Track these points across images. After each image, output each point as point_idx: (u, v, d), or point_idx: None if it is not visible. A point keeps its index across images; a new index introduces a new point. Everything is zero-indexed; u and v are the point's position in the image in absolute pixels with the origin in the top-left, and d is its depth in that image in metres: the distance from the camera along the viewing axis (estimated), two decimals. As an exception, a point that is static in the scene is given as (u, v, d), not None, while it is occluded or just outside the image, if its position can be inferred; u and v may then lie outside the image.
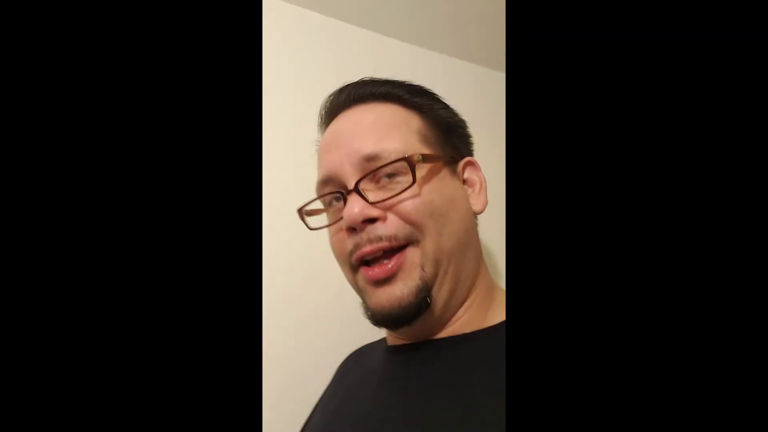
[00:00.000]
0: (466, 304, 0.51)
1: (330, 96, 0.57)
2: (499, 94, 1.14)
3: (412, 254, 0.47)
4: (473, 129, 0.59)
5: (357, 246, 0.48)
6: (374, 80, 0.55)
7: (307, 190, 0.56)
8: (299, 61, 0.88)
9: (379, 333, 0.62)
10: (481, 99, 1.10)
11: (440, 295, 0.48)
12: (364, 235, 0.47)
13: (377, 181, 0.49)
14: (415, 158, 0.47)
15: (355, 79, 0.56)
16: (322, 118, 0.57)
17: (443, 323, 0.50)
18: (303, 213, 0.54)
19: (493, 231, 0.84)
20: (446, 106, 0.56)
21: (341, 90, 0.56)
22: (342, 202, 0.50)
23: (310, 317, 0.79)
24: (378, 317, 0.48)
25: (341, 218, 0.49)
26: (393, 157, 0.48)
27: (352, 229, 0.48)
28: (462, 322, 0.50)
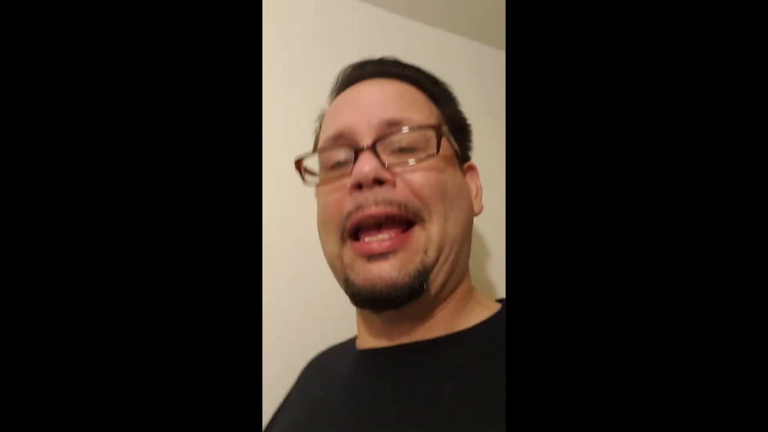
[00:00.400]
0: (451, 300, 0.48)
1: (349, 66, 0.54)
2: (500, 73, 1.10)
3: (418, 235, 0.45)
4: (471, 108, 0.58)
5: (359, 207, 0.44)
6: (398, 61, 0.54)
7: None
8: (291, 35, 0.83)
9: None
10: (479, 77, 1.07)
11: (435, 284, 0.46)
12: (370, 196, 0.44)
13: (392, 152, 0.46)
14: (443, 130, 0.46)
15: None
16: (337, 85, 0.55)
17: (427, 314, 0.47)
18: (302, 167, 0.50)
19: (492, 228, 0.85)
20: (458, 106, 0.56)
21: (364, 63, 0.54)
22: (349, 163, 0.47)
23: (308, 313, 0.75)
24: (366, 296, 0.44)
25: (337, 178, 0.47)
26: (417, 126, 0.46)
27: (358, 188, 0.44)
28: (439, 318, 0.47)
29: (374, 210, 0.44)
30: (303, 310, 0.72)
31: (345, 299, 0.48)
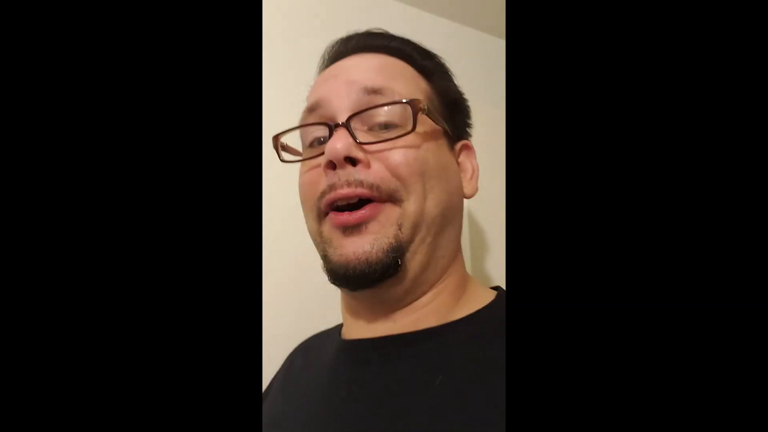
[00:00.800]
0: (438, 288, 0.46)
1: (335, 41, 0.52)
2: (500, 61, 1.09)
3: (390, 210, 0.43)
4: (471, 95, 0.56)
5: (332, 187, 0.43)
6: (386, 33, 0.52)
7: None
8: (289, 20, 0.82)
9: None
10: (480, 65, 1.06)
11: (412, 264, 0.44)
12: (342, 175, 0.42)
13: (370, 127, 0.44)
14: (421, 105, 0.44)
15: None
16: (323, 61, 0.53)
17: (409, 300, 0.45)
18: (278, 143, 0.49)
19: (490, 217, 0.83)
20: (453, 81, 0.53)
21: (349, 37, 0.51)
22: (325, 138, 0.45)
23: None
24: (340, 272, 0.43)
25: (318, 155, 0.45)
26: (396, 98, 0.44)
27: (331, 167, 0.43)
28: (429, 309, 0.45)
29: (345, 191, 0.42)
30: (301, 306, 0.70)
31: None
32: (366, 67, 0.47)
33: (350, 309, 0.50)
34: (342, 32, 0.52)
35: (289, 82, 0.77)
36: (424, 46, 0.52)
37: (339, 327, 0.54)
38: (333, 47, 0.52)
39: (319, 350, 0.54)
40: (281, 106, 0.74)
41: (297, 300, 0.73)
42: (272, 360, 0.61)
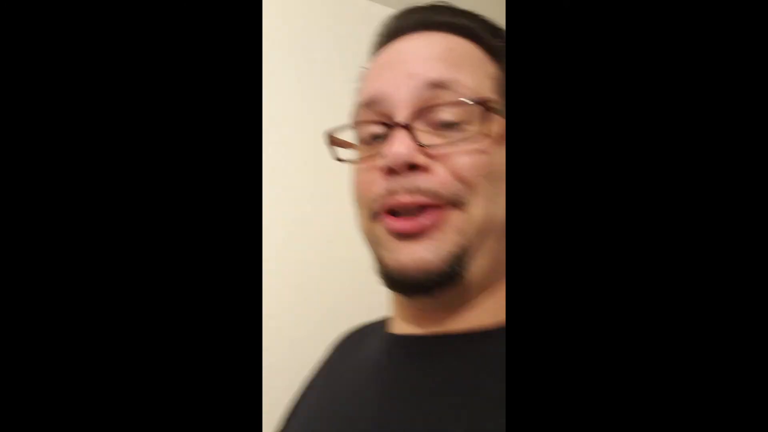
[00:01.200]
0: (495, 287, 0.43)
1: (393, 16, 0.47)
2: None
3: (452, 215, 0.39)
4: None
5: (390, 193, 0.40)
6: (450, 7, 0.46)
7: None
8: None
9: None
10: None
11: (474, 271, 0.40)
12: (402, 182, 0.39)
13: (432, 125, 0.40)
14: (491, 104, 0.39)
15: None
16: (379, 40, 0.48)
17: (466, 305, 0.42)
18: (332, 140, 0.46)
19: None
20: None
21: (410, 11, 0.46)
22: (384, 138, 0.41)
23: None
24: (395, 278, 0.40)
25: (374, 155, 0.42)
26: (466, 94, 0.39)
27: (390, 172, 0.40)
28: (484, 309, 0.42)
29: (406, 199, 0.39)
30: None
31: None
32: (429, 54, 0.42)
33: (400, 303, 0.47)
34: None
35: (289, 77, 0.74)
36: (493, 21, 0.46)
37: (383, 320, 0.53)
38: (389, 23, 0.47)
39: (363, 343, 0.52)
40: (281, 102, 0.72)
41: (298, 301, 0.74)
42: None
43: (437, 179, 0.39)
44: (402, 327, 0.47)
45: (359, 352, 0.51)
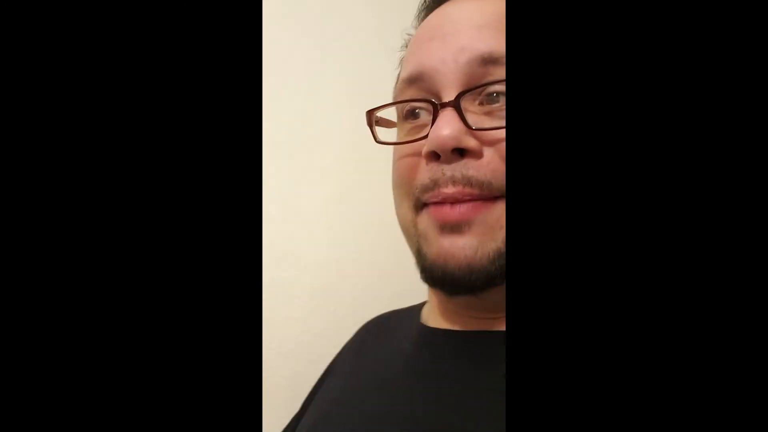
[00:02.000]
0: None
1: None
2: None
3: (501, 209, 0.35)
4: None
5: (435, 183, 0.36)
6: None
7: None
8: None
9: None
10: None
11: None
12: (448, 171, 0.35)
13: (481, 102, 0.36)
14: None
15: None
16: (424, 4, 0.43)
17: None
18: (373, 119, 0.41)
19: None
20: None
21: None
22: (428, 117, 0.37)
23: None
24: (437, 273, 0.37)
25: (419, 138, 0.37)
26: None
27: (435, 156, 0.36)
28: None
29: (451, 191, 0.35)
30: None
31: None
32: (480, 22, 0.37)
33: (441, 298, 0.44)
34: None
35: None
36: None
37: (417, 308, 0.49)
38: None
39: (395, 331, 0.49)
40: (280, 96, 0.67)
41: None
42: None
43: (488, 167, 0.35)
44: (438, 320, 0.44)
45: (389, 342, 0.48)
